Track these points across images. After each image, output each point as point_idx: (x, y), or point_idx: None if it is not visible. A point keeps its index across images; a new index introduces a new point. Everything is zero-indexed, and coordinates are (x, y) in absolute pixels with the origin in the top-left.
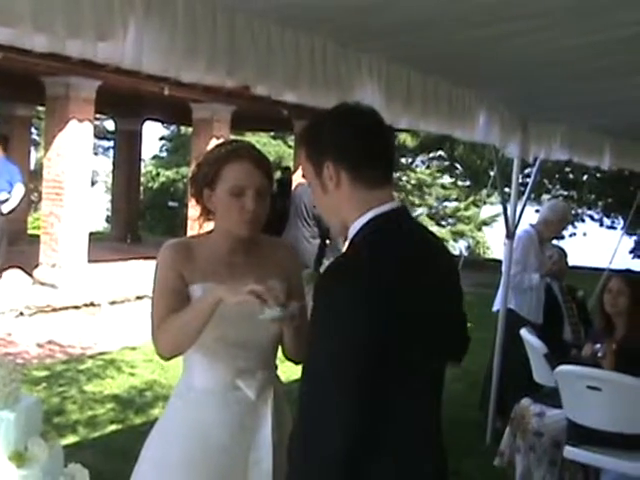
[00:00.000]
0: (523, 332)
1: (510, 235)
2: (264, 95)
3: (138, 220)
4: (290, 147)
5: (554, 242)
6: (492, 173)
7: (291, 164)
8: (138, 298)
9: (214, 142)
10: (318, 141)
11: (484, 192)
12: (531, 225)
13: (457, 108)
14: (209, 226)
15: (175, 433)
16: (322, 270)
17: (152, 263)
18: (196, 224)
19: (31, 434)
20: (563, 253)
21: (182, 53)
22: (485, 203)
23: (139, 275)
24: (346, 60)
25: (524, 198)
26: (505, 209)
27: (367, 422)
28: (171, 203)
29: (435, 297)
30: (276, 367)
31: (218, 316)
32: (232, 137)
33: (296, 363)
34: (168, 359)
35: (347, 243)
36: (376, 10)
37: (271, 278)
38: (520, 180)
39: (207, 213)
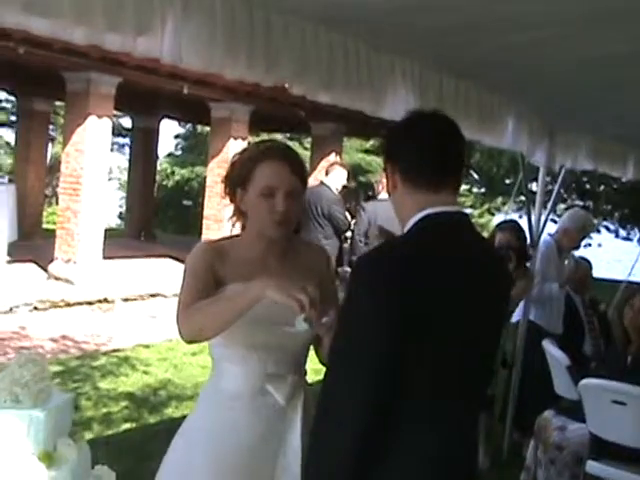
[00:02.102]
0: (545, 343)
1: (534, 244)
2: (300, 95)
3: (152, 218)
4: (306, 149)
5: (575, 253)
6: (508, 181)
7: (307, 166)
8: (152, 296)
9: (232, 142)
10: (386, 143)
11: (499, 200)
12: (550, 235)
13: (487, 114)
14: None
15: (202, 437)
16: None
17: (166, 261)
18: (212, 223)
19: (61, 434)
20: (588, 264)
21: (222, 50)
22: (500, 211)
23: (153, 273)
24: (379, 62)
25: (548, 207)
26: (529, 218)
27: (380, 423)
28: (185, 202)
29: (470, 306)
30: (305, 372)
31: (250, 319)
32: (250, 138)
33: None
34: (189, 342)
35: None
36: (410, 14)
37: (305, 281)
38: (536, 189)
39: (240, 214)
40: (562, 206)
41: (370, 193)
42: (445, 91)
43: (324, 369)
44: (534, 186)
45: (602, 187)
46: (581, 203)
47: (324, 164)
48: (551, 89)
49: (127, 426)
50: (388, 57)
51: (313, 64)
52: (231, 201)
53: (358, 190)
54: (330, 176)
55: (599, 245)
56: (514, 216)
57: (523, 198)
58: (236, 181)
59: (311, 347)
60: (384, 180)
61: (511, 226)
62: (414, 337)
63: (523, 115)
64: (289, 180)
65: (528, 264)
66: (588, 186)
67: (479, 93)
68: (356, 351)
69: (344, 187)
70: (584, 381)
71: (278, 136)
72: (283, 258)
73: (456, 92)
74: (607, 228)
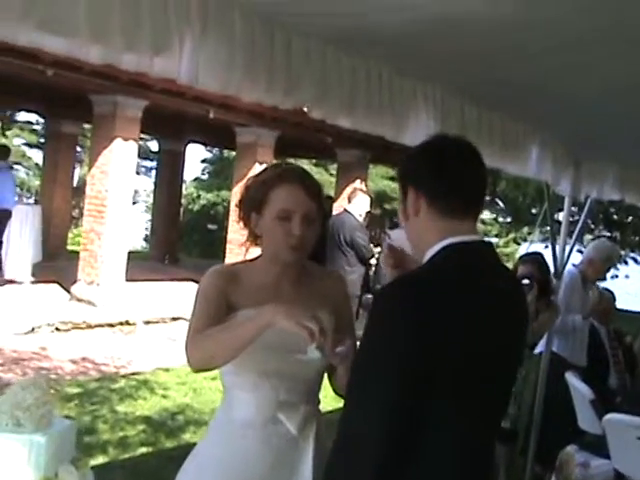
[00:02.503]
0: (568, 376)
1: (558, 275)
2: (319, 119)
3: (177, 241)
4: (332, 175)
5: (601, 284)
6: (534, 210)
7: (332, 192)
8: (173, 319)
9: (257, 167)
10: (406, 167)
11: (525, 229)
12: (574, 265)
13: (510, 142)
14: (254, 252)
15: (213, 463)
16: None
17: (189, 285)
18: (235, 247)
19: (62, 460)
20: (611, 295)
21: (241, 72)
22: (526, 240)
23: (175, 296)
24: (401, 87)
25: (573, 237)
26: (554, 248)
27: (399, 455)
28: (210, 226)
29: (491, 341)
30: (319, 401)
31: (261, 345)
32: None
33: None
34: (197, 371)
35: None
36: (432, 38)
37: (320, 309)
38: (561, 219)
39: (254, 238)
40: (589, 237)
41: (395, 220)
42: (467, 118)
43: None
44: (560, 216)
45: (630, 218)
46: (608, 234)
47: (349, 190)
48: (576, 117)
49: (143, 450)
50: (410, 82)
51: (334, 87)
52: (245, 225)
53: (383, 217)
54: (353, 203)
55: (626, 277)
56: (539, 246)
57: (549, 228)
58: (251, 205)
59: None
60: None
61: (534, 258)
62: (433, 370)
63: (547, 143)
64: (305, 204)
65: (552, 297)
66: (615, 217)
67: (502, 120)
68: (373, 384)
69: (368, 213)
70: (608, 416)
71: (304, 162)
72: (297, 284)
73: (479, 119)
74: (635, 260)
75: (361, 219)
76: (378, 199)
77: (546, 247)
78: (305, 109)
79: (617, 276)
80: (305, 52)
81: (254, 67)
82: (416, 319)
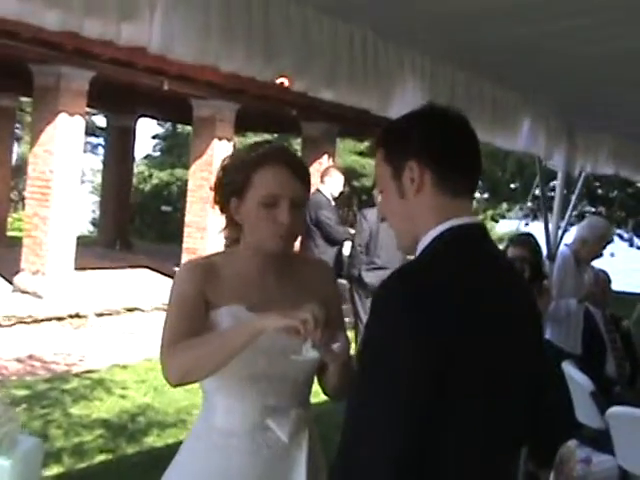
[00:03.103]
0: (565, 366)
1: (551, 257)
2: (302, 91)
3: (128, 224)
4: (296, 152)
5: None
6: (513, 185)
7: None
8: (128, 310)
9: (216, 143)
10: (405, 139)
11: (504, 206)
12: (566, 245)
13: (501, 113)
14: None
15: None
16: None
17: (144, 272)
18: (194, 231)
19: None
20: (606, 277)
21: (218, 39)
22: (504, 218)
23: (129, 285)
24: (387, 55)
25: (566, 216)
26: (547, 227)
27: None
28: (164, 207)
29: (504, 332)
30: (310, 403)
31: (249, 347)
32: (236, 138)
33: (337, 400)
34: (176, 386)
35: (416, 255)
36: (421, 0)
37: (309, 302)
38: (537, 193)
39: (234, 226)
40: (573, 213)
41: (364, 198)
42: (457, 87)
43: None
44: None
45: (615, 192)
46: (592, 209)
47: (317, 167)
48: (575, 83)
49: (102, 457)
50: (396, 49)
51: (316, 55)
52: (222, 211)
53: (352, 196)
54: (326, 183)
55: (612, 255)
56: (519, 224)
57: (530, 205)
58: (230, 188)
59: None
60: None
61: (525, 240)
62: (443, 368)
63: (541, 114)
64: (294, 187)
65: (545, 282)
66: (600, 191)
67: (494, 90)
68: (382, 383)
69: (341, 194)
70: (613, 409)
71: (265, 137)
72: (283, 275)
73: (468, 88)
74: (620, 236)
75: (333, 200)
76: (346, 176)
77: (526, 225)
78: (279, 81)
79: (602, 255)
80: (285, 17)
81: (231, 34)
82: (422, 314)
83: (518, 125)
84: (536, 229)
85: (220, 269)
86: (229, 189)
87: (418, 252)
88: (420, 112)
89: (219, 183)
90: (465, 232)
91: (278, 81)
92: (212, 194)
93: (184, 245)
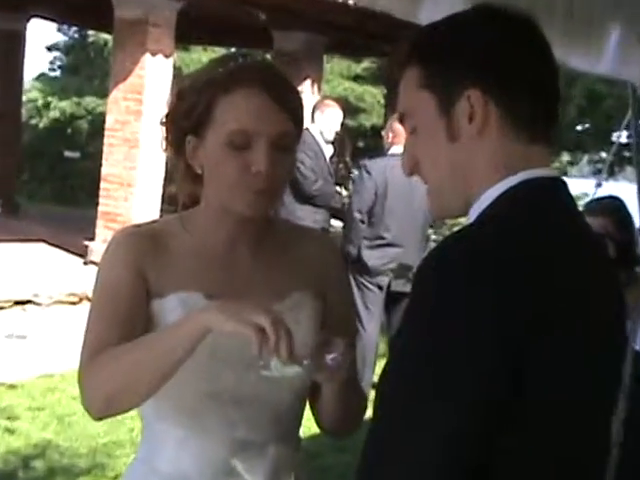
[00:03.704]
0: None
1: None
2: None
3: (14, 178)
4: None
5: None
6: (580, 127)
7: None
8: (17, 304)
9: (148, 59)
10: (458, 54)
11: (564, 157)
12: None
13: (578, 21)
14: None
15: None
16: None
17: (38, 247)
18: (117, 188)
19: None
20: None
21: None
22: (566, 174)
23: (18, 267)
24: None
25: None
26: None
27: None
28: (68, 153)
29: (595, 332)
30: (299, 440)
31: (206, 355)
32: (177, 53)
33: (336, 437)
34: (100, 418)
35: (472, 218)
36: None
37: (298, 290)
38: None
39: (191, 177)
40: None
41: (360, 145)
42: None
43: None
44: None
45: None
46: None
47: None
48: None
49: None
50: None
51: None
52: (175, 155)
53: (344, 140)
54: (318, 121)
55: None
56: (588, 184)
57: (605, 155)
58: (185, 123)
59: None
60: (396, 127)
61: (610, 206)
62: (518, 381)
63: (635, 22)
64: (276, 120)
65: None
66: None
67: None
68: (426, 409)
69: (338, 135)
70: None
71: (221, 51)
72: (261, 250)
73: None
74: None
75: (327, 145)
76: None
77: (598, 185)
78: None
79: None
80: None
81: None
82: (498, 295)
83: (603, 38)
84: (615, 192)
85: (169, 241)
86: (184, 123)
87: (473, 216)
88: (475, 13)
89: (172, 115)
90: (542, 189)
91: None
92: (154, 134)
93: (100, 209)
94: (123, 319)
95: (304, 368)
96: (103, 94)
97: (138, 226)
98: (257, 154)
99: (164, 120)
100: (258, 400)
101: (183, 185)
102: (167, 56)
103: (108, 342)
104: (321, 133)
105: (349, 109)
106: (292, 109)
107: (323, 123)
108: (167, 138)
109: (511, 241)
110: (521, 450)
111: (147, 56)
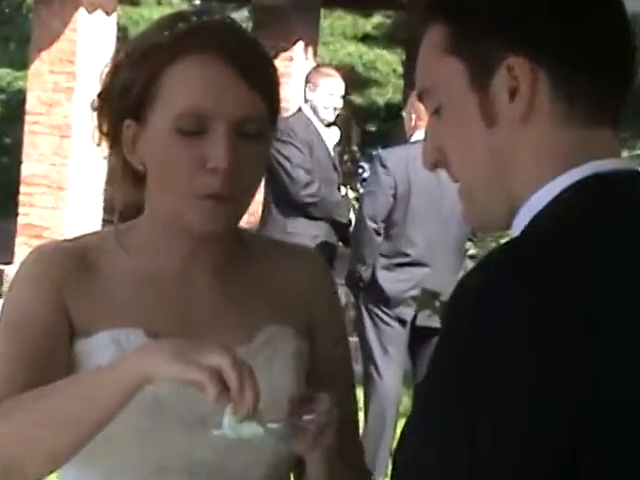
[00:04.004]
0: None
1: None
2: None
3: None
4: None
5: None
6: None
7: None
8: None
9: (83, 17)
10: (493, 7)
11: None
12: None
13: None
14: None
15: None
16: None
17: None
18: (43, 191)
19: None
20: None
21: None
22: None
23: None
24: None
25: None
26: None
27: None
28: None
29: None
30: None
31: (148, 414)
32: (120, 9)
33: None
34: None
35: (517, 228)
36: None
37: (273, 326)
38: None
39: (132, 177)
40: None
41: (372, 129)
42: None
43: None
44: None
45: None
46: None
47: (282, 67)
48: None
49: None
50: None
51: None
52: (112, 148)
53: (350, 122)
54: (314, 94)
55: None
56: None
57: None
58: (122, 103)
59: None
60: (420, 105)
61: None
62: (585, 427)
63: None
64: (240, 98)
65: None
66: None
67: None
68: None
69: (339, 114)
70: None
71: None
72: (223, 274)
73: None
74: None
75: (327, 130)
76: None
77: None
78: None
79: None
80: None
81: None
82: (560, 322)
83: None
84: None
85: (102, 262)
86: (120, 103)
87: (520, 224)
88: None
89: (105, 94)
90: (614, 185)
91: None
92: (89, 118)
93: (20, 220)
94: (33, 360)
95: (268, 430)
96: (21, 64)
97: (65, 241)
98: (214, 144)
99: (96, 102)
100: (216, 470)
101: (121, 188)
102: (108, 13)
103: (11, 389)
104: (316, 112)
105: (356, 81)
106: (263, 83)
107: (318, 99)
108: (100, 126)
109: (572, 252)
110: None
111: (81, 12)
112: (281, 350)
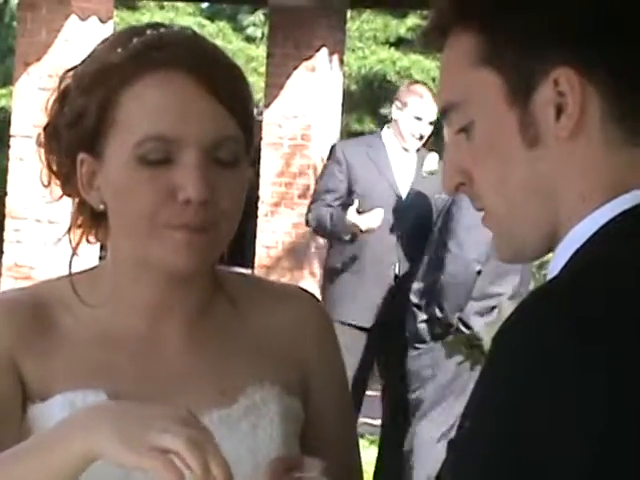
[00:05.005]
0: None
1: None
2: None
3: None
4: (252, 42)
5: None
6: None
7: (261, 94)
8: None
9: (75, 24)
10: (536, 11)
11: None
12: None
13: None
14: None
15: None
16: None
17: None
18: (25, 226)
19: None
20: None
21: None
22: None
23: None
24: None
25: None
26: None
27: None
28: None
29: None
30: None
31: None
32: (117, 16)
33: None
34: None
35: (557, 265)
36: None
37: (258, 384)
38: None
39: (91, 217)
40: None
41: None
42: None
43: None
44: None
45: None
46: None
47: (303, 78)
48: None
49: None
50: None
51: None
52: (64, 186)
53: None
54: (397, 115)
55: None
56: None
57: None
58: (73, 135)
59: None
60: None
61: None
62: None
63: None
64: (211, 119)
65: None
66: None
67: None
68: None
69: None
70: None
71: (182, 5)
72: (200, 325)
73: None
74: None
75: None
76: (370, 92)
77: None
78: None
79: None
80: None
81: None
82: (614, 366)
83: None
84: None
85: (57, 316)
86: (70, 135)
87: (561, 260)
88: None
89: (53, 122)
90: None
91: None
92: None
93: (4, 259)
94: None
95: None
96: (5, 80)
97: (16, 291)
98: (184, 174)
99: (42, 137)
100: None
101: (79, 230)
102: (104, 19)
103: None
104: (399, 138)
105: (389, 91)
106: (234, 100)
107: (405, 122)
108: (48, 163)
109: (625, 291)
110: None
111: (73, 20)
112: (267, 413)
